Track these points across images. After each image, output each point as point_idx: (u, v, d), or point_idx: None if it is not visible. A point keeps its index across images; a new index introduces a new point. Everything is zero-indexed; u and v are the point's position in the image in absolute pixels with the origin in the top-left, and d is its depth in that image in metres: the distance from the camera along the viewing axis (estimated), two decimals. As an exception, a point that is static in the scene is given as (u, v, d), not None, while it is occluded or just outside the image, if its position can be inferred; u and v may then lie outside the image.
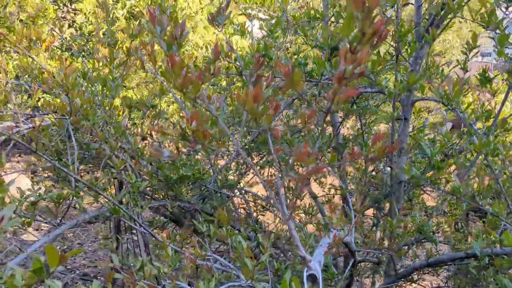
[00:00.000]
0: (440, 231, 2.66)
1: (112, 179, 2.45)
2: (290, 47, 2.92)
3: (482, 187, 2.05)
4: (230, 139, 1.31)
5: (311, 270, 1.00)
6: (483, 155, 1.75)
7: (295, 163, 0.79)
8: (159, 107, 2.07)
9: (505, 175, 2.11)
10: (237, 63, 2.15)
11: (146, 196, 2.19)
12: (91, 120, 1.73)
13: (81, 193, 1.72)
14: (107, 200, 1.75)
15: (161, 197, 2.21)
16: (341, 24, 2.10)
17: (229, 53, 2.02)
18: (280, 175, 0.79)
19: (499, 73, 2.22)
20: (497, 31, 1.73)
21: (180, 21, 1.01)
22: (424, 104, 3.48)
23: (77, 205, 1.76)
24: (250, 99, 0.77)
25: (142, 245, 2.14)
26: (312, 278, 1.00)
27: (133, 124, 2.83)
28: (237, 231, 2.33)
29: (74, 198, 1.78)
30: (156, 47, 1.40)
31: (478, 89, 2.55)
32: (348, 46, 0.66)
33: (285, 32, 2.55)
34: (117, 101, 2.20)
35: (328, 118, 2.93)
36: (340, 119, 2.94)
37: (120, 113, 2.03)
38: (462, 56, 1.84)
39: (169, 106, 3.54)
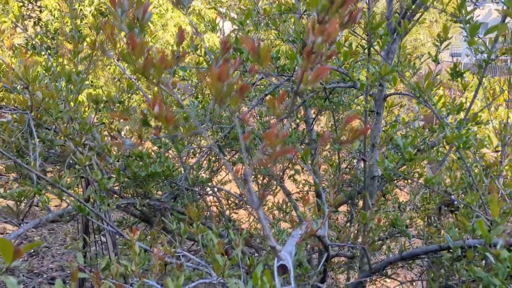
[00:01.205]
0: (414, 225, 2.67)
1: (80, 178, 2.37)
2: (263, 42, 2.88)
3: (454, 180, 2.05)
4: (202, 135, 1.26)
5: (282, 260, 0.96)
6: (455, 148, 1.74)
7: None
8: (127, 103, 2.01)
9: (477, 168, 2.12)
10: (207, 57, 2.10)
11: (114, 194, 2.12)
12: (54, 114, 1.65)
13: (44, 191, 1.65)
14: (72, 199, 1.68)
15: (130, 195, 2.14)
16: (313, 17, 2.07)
17: (199, 46, 1.97)
18: (248, 163, 0.75)
19: (470, 71, 2.23)
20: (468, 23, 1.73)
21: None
22: (396, 99, 3.50)
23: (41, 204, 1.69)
24: (215, 78, 0.73)
25: (110, 245, 2.07)
26: (283, 269, 0.96)
27: (102, 122, 2.76)
28: (208, 229, 2.28)
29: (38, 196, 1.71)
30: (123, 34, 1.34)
31: (449, 84, 2.57)
32: (316, 16, 0.62)
33: (257, 26, 2.52)
34: (83, 97, 2.13)
35: (301, 113, 2.91)
36: (313, 115, 2.92)
37: (86, 109, 1.96)
38: (433, 51, 1.83)
39: (140, 105, 3.46)
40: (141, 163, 1.99)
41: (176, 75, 2.08)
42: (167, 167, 2.03)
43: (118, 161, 2.03)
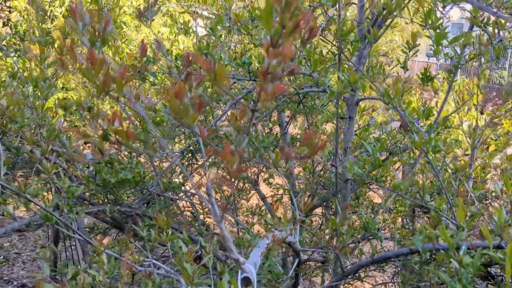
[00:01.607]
0: (387, 228, 2.70)
1: (49, 184, 2.33)
2: (236, 46, 2.88)
3: (424, 184, 2.08)
4: (163, 143, 1.25)
5: (245, 273, 0.96)
6: (424, 153, 1.76)
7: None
8: (96, 108, 1.98)
9: (447, 172, 2.15)
10: (178, 62, 2.09)
11: (84, 201, 2.09)
12: (20, 122, 1.62)
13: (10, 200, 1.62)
14: (39, 207, 1.66)
15: (101, 202, 2.12)
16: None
17: (172, 51, 1.96)
18: (212, 176, 0.74)
19: (443, 73, 2.26)
20: (436, 30, 1.76)
21: (104, 13, 0.94)
22: (370, 103, 3.53)
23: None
24: (172, 96, 0.72)
25: (81, 253, 2.04)
26: (246, 281, 0.96)
27: (74, 126, 2.72)
28: (180, 234, 2.27)
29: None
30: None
31: (420, 87, 2.60)
32: (270, 40, 0.62)
33: (230, 31, 2.51)
34: (51, 103, 2.09)
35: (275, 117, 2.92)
36: (287, 119, 2.93)
37: (54, 115, 1.93)
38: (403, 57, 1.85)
39: (112, 107, 3.42)
40: (111, 169, 1.97)
41: (148, 80, 2.06)
42: (138, 173, 2.01)
43: (88, 167, 2.00)
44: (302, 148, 0.81)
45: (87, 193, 2.11)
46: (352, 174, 1.71)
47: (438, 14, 1.79)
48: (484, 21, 1.65)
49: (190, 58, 0.96)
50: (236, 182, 2.86)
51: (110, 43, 2.39)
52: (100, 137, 0.87)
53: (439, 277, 1.76)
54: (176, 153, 2.48)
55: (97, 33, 0.96)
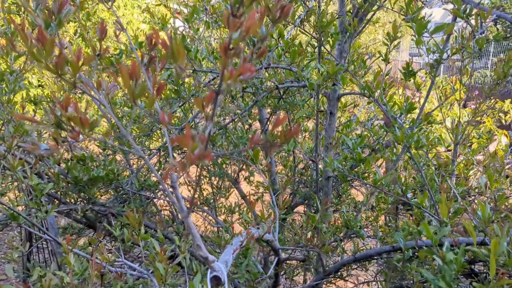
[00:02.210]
0: (370, 226, 2.65)
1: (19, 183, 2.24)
2: (216, 41, 2.81)
3: (405, 180, 2.04)
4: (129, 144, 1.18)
5: (215, 271, 0.89)
6: (406, 148, 1.72)
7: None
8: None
9: (430, 168, 2.11)
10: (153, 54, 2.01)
11: (55, 200, 2.00)
12: (-17, 117, 1.54)
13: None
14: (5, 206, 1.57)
15: (73, 200, 2.03)
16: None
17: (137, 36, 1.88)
18: (177, 167, 0.68)
19: (425, 70, 2.23)
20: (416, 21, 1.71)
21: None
22: (352, 99, 3.48)
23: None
24: (126, 76, 0.65)
25: (53, 254, 1.96)
26: (216, 280, 0.90)
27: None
28: (154, 232, 2.19)
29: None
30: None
31: (402, 84, 2.56)
32: (230, 9, 0.56)
33: (209, 26, 2.44)
34: (19, 97, 2.00)
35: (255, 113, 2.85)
36: (268, 115, 2.86)
37: (22, 110, 1.84)
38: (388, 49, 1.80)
39: (88, 102, 3.32)
40: (83, 166, 1.89)
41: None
42: (111, 171, 1.93)
43: (59, 164, 1.91)
44: (272, 135, 0.74)
45: (59, 192, 2.03)
46: (332, 170, 1.66)
47: (420, 5, 1.74)
48: (467, 12, 1.61)
49: (153, 40, 0.89)
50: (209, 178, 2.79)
51: (85, 37, 2.30)
52: (52, 124, 0.80)
53: (422, 275, 1.71)
54: (154, 150, 2.41)
55: (52, 13, 0.88)
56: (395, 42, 1.75)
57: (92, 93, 0.81)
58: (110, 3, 1.04)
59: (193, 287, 0.98)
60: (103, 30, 0.89)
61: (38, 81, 4.45)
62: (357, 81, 1.68)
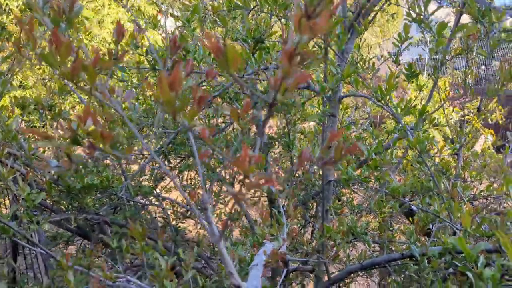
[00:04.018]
0: (369, 230, 2.59)
1: (6, 192, 2.11)
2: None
3: (405, 185, 1.98)
4: (141, 143, 1.09)
5: (248, 301, 0.81)
6: (416, 152, 1.66)
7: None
8: (58, 107, 1.79)
9: (435, 172, 2.06)
10: (149, 56, 1.91)
11: (46, 209, 1.88)
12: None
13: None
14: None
15: (64, 209, 1.91)
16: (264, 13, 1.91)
17: (141, 43, 1.78)
18: (206, 186, 0.59)
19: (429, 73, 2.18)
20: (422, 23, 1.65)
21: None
22: (350, 100, 3.42)
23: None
24: (165, 87, 0.56)
25: (42, 267, 1.84)
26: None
27: (33, 126, 2.49)
28: (154, 244, 2.09)
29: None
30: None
31: (404, 85, 2.50)
32: (304, 8, 0.47)
33: (202, 24, 2.34)
34: (7, 101, 1.88)
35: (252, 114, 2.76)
36: (263, 118, 2.78)
37: (11, 115, 1.72)
38: (394, 49, 1.73)
39: (74, 107, 3.18)
40: (76, 174, 1.77)
41: (114, 76, 1.87)
42: (106, 178, 1.82)
43: (49, 172, 1.80)
44: (326, 151, 0.66)
45: (49, 200, 1.91)
46: (343, 176, 1.59)
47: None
48: (481, 12, 1.55)
49: (177, 42, 0.80)
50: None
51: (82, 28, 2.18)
52: (69, 140, 0.70)
53: (431, 284, 1.65)
54: (152, 154, 2.31)
55: (61, 12, 0.78)
56: (406, 43, 1.68)
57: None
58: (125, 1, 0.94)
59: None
60: (121, 31, 0.79)
61: (20, 82, 4.26)
62: (369, 84, 1.61)
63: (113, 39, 0.80)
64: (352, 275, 2.16)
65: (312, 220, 2.63)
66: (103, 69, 0.74)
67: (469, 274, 1.06)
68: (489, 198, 2.25)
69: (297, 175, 2.57)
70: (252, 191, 2.95)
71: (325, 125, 2.26)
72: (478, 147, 4.88)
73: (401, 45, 1.67)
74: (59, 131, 0.68)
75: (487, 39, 1.57)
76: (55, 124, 1.87)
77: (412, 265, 1.72)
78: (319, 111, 1.61)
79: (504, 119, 5.18)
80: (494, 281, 1.03)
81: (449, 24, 1.53)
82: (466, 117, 2.91)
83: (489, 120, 5.48)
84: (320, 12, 0.47)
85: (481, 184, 2.24)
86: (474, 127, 4.84)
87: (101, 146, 0.71)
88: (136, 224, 1.50)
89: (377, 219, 2.19)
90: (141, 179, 2.32)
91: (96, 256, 1.94)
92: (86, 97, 2.52)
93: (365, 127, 2.48)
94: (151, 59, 1.94)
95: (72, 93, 2.12)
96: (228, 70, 0.53)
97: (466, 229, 1.29)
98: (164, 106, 0.58)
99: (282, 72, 0.52)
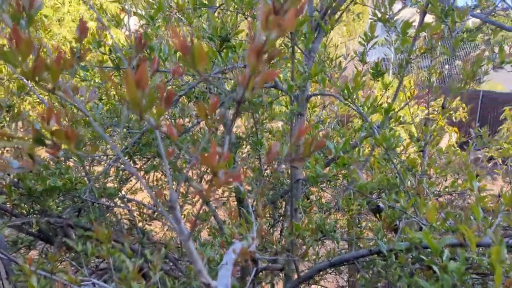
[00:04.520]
0: (339, 228, 2.62)
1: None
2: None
3: (372, 181, 2.01)
4: (107, 142, 1.06)
5: (218, 301, 0.80)
6: (383, 149, 1.68)
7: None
8: (17, 108, 1.73)
9: (402, 168, 2.09)
10: (113, 55, 1.87)
11: (6, 213, 1.82)
12: None
13: None
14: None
15: (26, 212, 1.85)
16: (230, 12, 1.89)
17: (103, 42, 1.73)
18: (173, 185, 0.57)
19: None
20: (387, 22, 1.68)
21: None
22: (316, 99, 3.44)
23: None
24: (132, 85, 0.54)
25: (3, 272, 1.78)
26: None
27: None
28: (121, 246, 2.05)
29: None
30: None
31: (370, 84, 2.53)
32: (272, 5, 0.46)
33: (167, 22, 2.31)
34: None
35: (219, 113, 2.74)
36: (231, 117, 2.77)
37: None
38: (360, 48, 1.75)
39: (34, 107, 3.09)
40: (37, 176, 1.72)
41: (77, 76, 1.82)
42: (69, 179, 1.77)
43: (9, 174, 1.74)
44: (294, 147, 0.65)
45: (9, 204, 1.84)
46: (310, 174, 1.59)
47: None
48: (444, 12, 1.59)
49: (143, 40, 0.78)
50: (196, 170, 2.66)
51: (41, 25, 2.11)
52: (32, 140, 0.67)
53: (398, 278, 1.68)
54: (117, 154, 2.26)
55: (21, 8, 0.75)
56: (372, 43, 1.70)
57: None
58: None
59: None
60: (84, 28, 0.76)
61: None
62: (335, 83, 1.62)
63: (75, 37, 0.78)
64: (321, 272, 2.17)
65: (281, 219, 2.63)
66: (66, 68, 0.71)
67: (435, 267, 1.08)
68: (454, 194, 2.31)
69: (265, 174, 2.58)
70: (221, 191, 2.94)
71: (293, 124, 2.27)
72: (442, 145, 5.01)
73: (367, 44, 1.68)
74: (18, 132, 0.65)
75: (450, 39, 1.60)
76: (13, 125, 1.80)
77: (380, 261, 1.74)
78: (287, 110, 1.61)
79: (467, 117, 5.33)
80: (459, 273, 1.05)
81: (413, 24, 1.55)
82: (431, 115, 2.97)
83: (453, 118, 5.63)
84: (287, 8, 0.46)
85: (446, 180, 2.29)
86: (439, 125, 4.95)
87: (65, 146, 0.69)
88: (101, 227, 1.47)
89: (346, 217, 2.21)
90: (105, 181, 2.27)
91: (60, 260, 1.89)
92: (47, 97, 2.45)
93: (332, 126, 2.50)
94: (114, 58, 1.90)
95: (31, 93, 2.06)
96: (196, 68, 0.52)
97: (431, 224, 1.31)
98: (131, 104, 0.56)
99: (250, 69, 0.51)
